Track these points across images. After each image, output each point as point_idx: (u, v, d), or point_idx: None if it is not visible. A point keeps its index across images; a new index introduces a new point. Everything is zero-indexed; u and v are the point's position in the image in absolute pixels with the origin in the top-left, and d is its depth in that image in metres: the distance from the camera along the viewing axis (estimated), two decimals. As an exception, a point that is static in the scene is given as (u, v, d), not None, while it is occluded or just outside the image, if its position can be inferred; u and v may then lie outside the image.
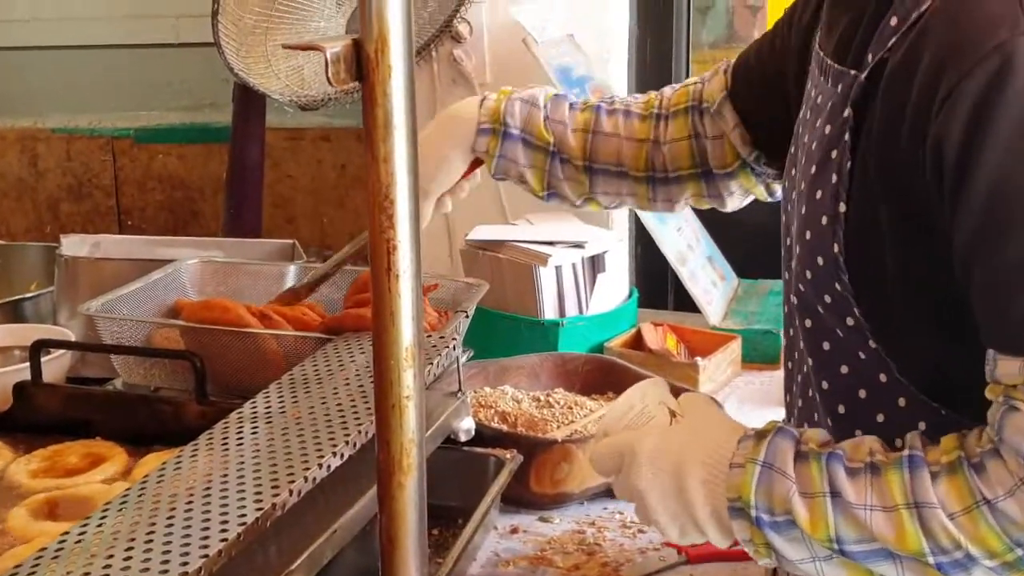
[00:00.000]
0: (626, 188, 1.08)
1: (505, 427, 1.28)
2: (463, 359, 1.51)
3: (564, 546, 1.13)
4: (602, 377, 1.48)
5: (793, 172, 0.89)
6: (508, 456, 1.16)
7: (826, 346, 0.81)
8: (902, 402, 0.77)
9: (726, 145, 1.06)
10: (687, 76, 2.37)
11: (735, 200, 1.11)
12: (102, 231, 2.33)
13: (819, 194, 0.79)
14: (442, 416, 1.07)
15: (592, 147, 1.07)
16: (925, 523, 0.67)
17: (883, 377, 0.78)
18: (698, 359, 1.58)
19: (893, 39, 0.75)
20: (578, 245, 1.68)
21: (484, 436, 1.22)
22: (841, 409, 0.81)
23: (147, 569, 0.64)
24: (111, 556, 0.66)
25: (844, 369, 0.80)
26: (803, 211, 0.81)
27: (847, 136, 0.77)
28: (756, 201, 1.14)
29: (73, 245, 1.60)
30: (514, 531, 1.16)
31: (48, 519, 0.99)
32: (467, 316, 1.35)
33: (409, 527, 0.71)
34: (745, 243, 1.92)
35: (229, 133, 2.01)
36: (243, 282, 1.48)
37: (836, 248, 0.77)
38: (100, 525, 0.71)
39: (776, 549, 0.73)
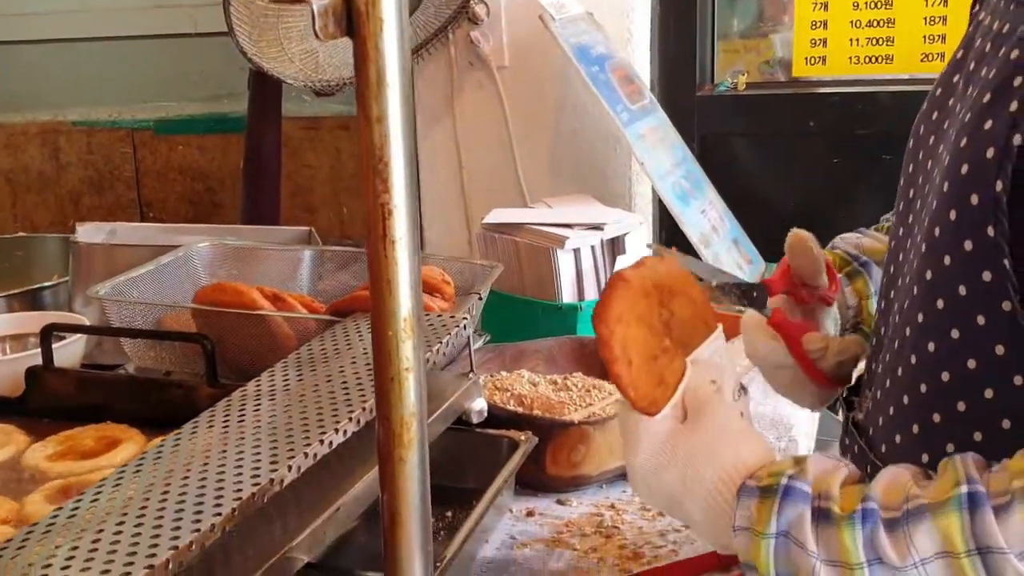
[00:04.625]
0: None
1: (521, 409, 1.25)
2: (479, 343, 1.49)
3: (581, 528, 1.10)
4: (622, 360, 1.45)
5: (934, 115, 0.81)
6: (522, 438, 1.13)
7: (940, 304, 0.73)
8: (1018, 380, 0.68)
9: None
10: (712, 59, 2.33)
11: None
12: (124, 223, 2.34)
13: (989, 124, 0.70)
14: (452, 396, 1.05)
15: None
16: (992, 572, 0.59)
17: (1000, 349, 0.68)
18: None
19: None
20: (596, 227, 1.65)
21: (499, 419, 1.19)
22: (945, 377, 0.72)
23: (136, 543, 0.63)
24: (101, 531, 0.64)
25: (955, 333, 0.71)
26: (962, 144, 0.72)
27: None
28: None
29: (88, 233, 1.59)
30: (530, 514, 1.13)
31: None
32: (480, 298, 1.33)
33: (411, 504, 0.69)
34: (772, 226, 1.88)
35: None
36: (257, 266, 1.46)
37: (1000, 185, 0.68)
38: (94, 501, 0.69)
39: None
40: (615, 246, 1.67)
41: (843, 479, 0.67)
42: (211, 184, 2.50)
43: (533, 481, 1.19)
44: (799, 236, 0.96)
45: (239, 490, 0.70)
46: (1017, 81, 0.69)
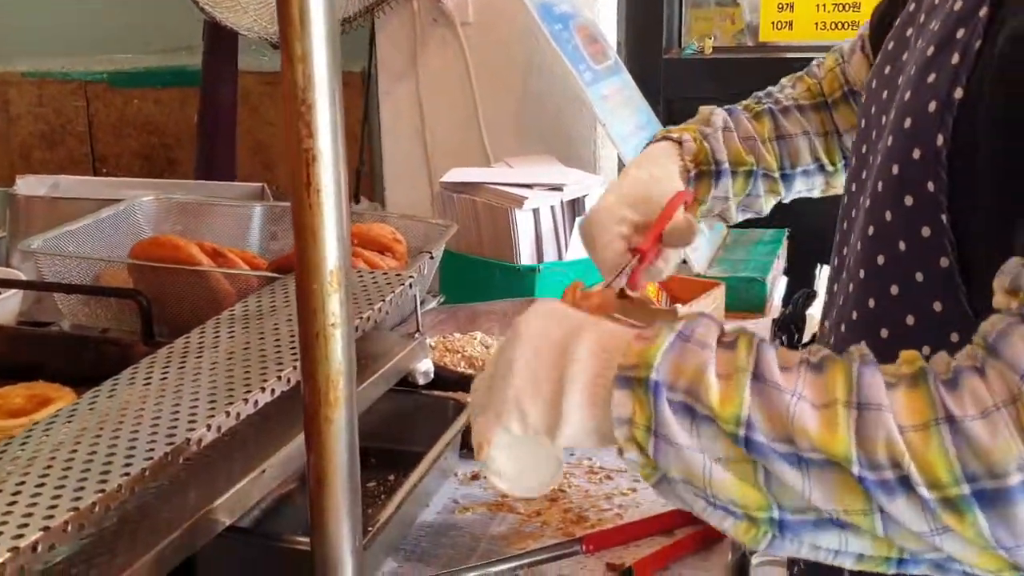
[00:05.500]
0: (820, 180, 1.05)
1: (472, 371, 1.22)
2: (433, 303, 1.46)
3: (527, 494, 1.07)
4: (578, 323, 1.42)
5: (886, 69, 0.80)
6: (469, 400, 1.10)
7: (881, 260, 0.72)
8: (954, 337, 0.67)
9: None
10: (681, 18, 2.29)
11: None
12: (76, 178, 2.27)
13: (932, 77, 0.69)
14: (396, 356, 1.02)
15: (786, 153, 1.04)
16: (864, 427, 0.56)
17: (938, 306, 0.68)
18: (678, 306, 1.52)
19: None
20: (556, 188, 1.61)
21: (448, 380, 1.16)
22: (884, 333, 0.72)
23: (35, 504, 0.59)
24: (-1, 492, 0.61)
25: (895, 290, 0.71)
26: (906, 97, 0.71)
27: (984, 10, 0.67)
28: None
29: (30, 185, 1.54)
30: (475, 477, 1.11)
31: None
32: (431, 257, 1.29)
33: (338, 465, 0.66)
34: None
35: (201, 74, 1.94)
36: (204, 222, 1.42)
37: (941, 139, 0.66)
38: (-4, 461, 0.66)
39: (660, 430, 0.59)
40: (575, 207, 1.64)
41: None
42: (167, 140, 2.44)
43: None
44: (691, 225, 0.94)
45: (151, 450, 0.66)
46: (960, 33, 0.68)
